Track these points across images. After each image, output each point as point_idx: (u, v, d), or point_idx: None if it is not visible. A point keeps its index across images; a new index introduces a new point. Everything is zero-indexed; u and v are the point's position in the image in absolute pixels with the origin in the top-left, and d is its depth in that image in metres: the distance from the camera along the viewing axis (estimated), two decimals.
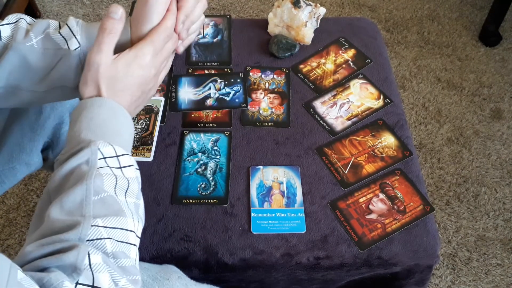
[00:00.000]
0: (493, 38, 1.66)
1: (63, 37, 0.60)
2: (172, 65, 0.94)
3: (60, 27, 0.62)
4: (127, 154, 0.55)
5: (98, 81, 0.56)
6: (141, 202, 0.55)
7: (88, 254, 0.45)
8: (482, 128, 1.46)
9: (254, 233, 0.74)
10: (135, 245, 0.50)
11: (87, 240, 0.46)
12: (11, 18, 0.63)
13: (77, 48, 0.60)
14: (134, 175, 0.55)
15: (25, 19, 0.63)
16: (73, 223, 0.47)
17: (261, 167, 0.81)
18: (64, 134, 0.90)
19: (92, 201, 0.49)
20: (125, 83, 0.57)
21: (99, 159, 0.52)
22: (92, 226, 0.47)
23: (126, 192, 0.53)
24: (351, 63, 0.95)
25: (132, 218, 0.51)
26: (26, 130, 0.80)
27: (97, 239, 0.47)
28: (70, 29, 0.60)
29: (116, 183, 0.52)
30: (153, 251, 0.73)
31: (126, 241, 0.49)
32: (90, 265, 0.44)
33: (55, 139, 0.89)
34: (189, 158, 0.82)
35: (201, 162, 0.81)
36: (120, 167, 0.54)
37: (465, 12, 1.78)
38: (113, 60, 0.56)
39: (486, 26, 1.67)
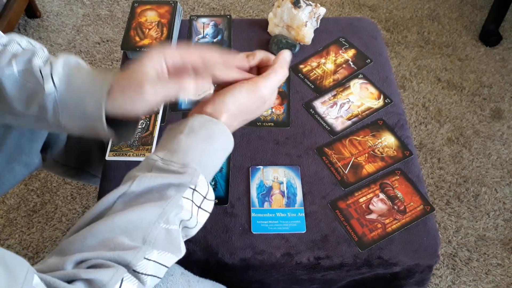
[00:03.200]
0: (493, 38, 1.66)
1: (41, 74, 0.57)
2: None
3: (46, 59, 0.59)
4: (213, 201, 0.56)
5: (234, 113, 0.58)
6: (186, 238, 0.56)
7: (122, 279, 0.44)
8: (482, 128, 1.46)
9: (254, 233, 0.74)
10: (161, 278, 0.51)
11: (133, 270, 0.46)
12: (5, 39, 0.61)
13: (52, 92, 0.57)
14: (203, 222, 0.56)
15: (20, 44, 0.61)
16: (130, 247, 0.47)
17: (261, 167, 0.81)
18: (62, 134, 0.90)
19: (159, 227, 0.49)
20: (243, 115, 0.60)
21: (190, 187, 0.52)
22: (144, 258, 0.47)
23: (185, 228, 0.54)
24: (351, 63, 0.95)
25: (177, 259, 0.52)
26: (25, 131, 0.80)
27: (142, 273, 0.47)
28: (51, 68, 0.57)
29: (186, 220, 0.52)
30: None
31: (160, 277, 0.50)
32: None
33: (53, 139, 0.88)
34: None
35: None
36: (199, 207, 0.54)
37: (465, 12, 1.78)
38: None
39: (486, 26, 1.67)
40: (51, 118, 0.59)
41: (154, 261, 0.48)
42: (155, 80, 0.55)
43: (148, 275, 0.47)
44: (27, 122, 0.62)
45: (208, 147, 0.55)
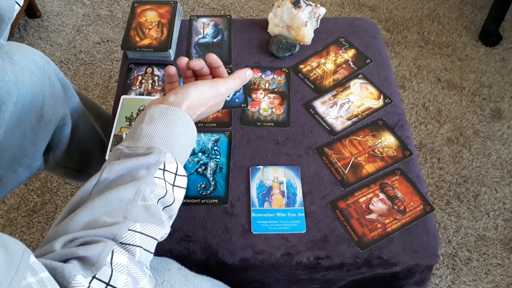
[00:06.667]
0: (493, 38, 1.66)
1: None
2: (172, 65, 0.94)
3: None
4: (185, 176, 0.58)
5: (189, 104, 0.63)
6: (171, 221, 0.57)
7: (113, 252, 0.45)
8: (482, 128, 1.46)
9: (254, 233, 0.74)
10: (153, 253, 0.52)
11: (120, 243, 0.48)
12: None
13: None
14: (180, 198, 0.58)
15: None
16: (113, 223, 0.48)
17: (261, 167, 0.81)
18: (65, 136, 0.90)
19: (137, 205, 0.51)
20: (202, 108, 0.66)
21: (159, 169, 0.54)
22: (129, 230, 0.48)
23: (165, 208, 0.55)
24: (351, 63, 0.95)
25: (164, 231, 0.53)
26: (28, 134, 0.80)
27: (129, 244, 0.48)
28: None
29: (163, 197, 0.54)
30: None
31: (151, 251, 0.51)
32: (111, 263, 0.45)
33: (56, 141, 0.88)
34: (189, 158, 0.82)
35: (201, 162, 0.81)
36: (173, 185, 0.56)
37: (465, 12, 1.78)
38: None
39: (486, 26, 1.67)
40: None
41: (139, 232, 0.49)
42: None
43: (137, 246, 0.48)
44: None
45: (170, 131, 0.58)
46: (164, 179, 0.54)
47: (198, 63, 0.68)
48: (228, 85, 0.67)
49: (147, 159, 0.54)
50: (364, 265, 0.73)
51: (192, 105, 0.62)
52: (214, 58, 0.69)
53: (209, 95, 0.65)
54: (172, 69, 0.70)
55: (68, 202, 0.52)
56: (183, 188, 0.58)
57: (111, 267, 0.45)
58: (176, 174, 0.56)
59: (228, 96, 0.89)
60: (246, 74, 0.70)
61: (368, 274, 0.76)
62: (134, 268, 0.47)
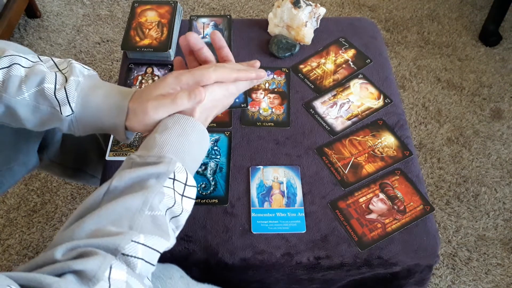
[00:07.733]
0: (493, 38, 1.66)
1: (57, 100, 0.60)
2: (172, 65, 0.94)
3: (56, 82, 0.61)
4: (194, 187, 0.58)
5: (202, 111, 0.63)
6: (178, 232, 0.57)
7: (111, 266, 0.45)
8: (482, 128, 1.46)
9: (254, 233, 0.74)
10: (154, 265, 0.51)
11: (122, 254, 0.47)
12: (5, 61, 0.61)
13: (69, 115, 0.61)
14: (189, 208, 0.57)
15: (21, 64, 0.61)
16: (117, 233, 0.48)
17: (261, 167, 0.81)
18: (58, 133, 0.90)
19: (144, 215, 0.50)
20: (214, 110, 0.66)
21: (169, 178, 0.54)
22: (132, 241, 0.48)
23: (173, 218, 0.55)
24: (351, 63, 0.95)
25: (168, 244, 0.53)
26: (21, 131, 0.80)
27: (131, 256, 0.47)
28: (66, 93, 0.60)
29: (171, 207, 0.54)
30: None
31: (152, 263, 0.50)
32: (109, 278, 0.44)
33: (49, 140, 0.88)
34: None
35: (201, 162, 0.81)
36: (182, 195, 0.56)
37: (465, 12, 1.78)
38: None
39: (486, 26, 1.67)
40: (66, 131, 0.63)
41: (142, 244, 0.48)
42: (157, 101, 0.60)
43: (138, 258, 0.48)
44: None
45: (183, 140, 0.58)
46: (173, 189, 0.54)
47: (194, 38, 0.68)
48: (240, 87, 0.67)
49: (157, 168, 0.53)
50: (364, 265, 0.73)
51: (205, 109, 0.63)
52: (218, 36, 0.69)
53: (221, 95, 0.65)
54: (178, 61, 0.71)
55: (78, 207, 0.52)
56: (192, 199, 0.57)
57: (109, 282, 0.44)
58: (185, 184, 0.56)
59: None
60: (258, 75, 0.68)
61: (368, 274, 0.76)
62: (134, 282, 0.46)
